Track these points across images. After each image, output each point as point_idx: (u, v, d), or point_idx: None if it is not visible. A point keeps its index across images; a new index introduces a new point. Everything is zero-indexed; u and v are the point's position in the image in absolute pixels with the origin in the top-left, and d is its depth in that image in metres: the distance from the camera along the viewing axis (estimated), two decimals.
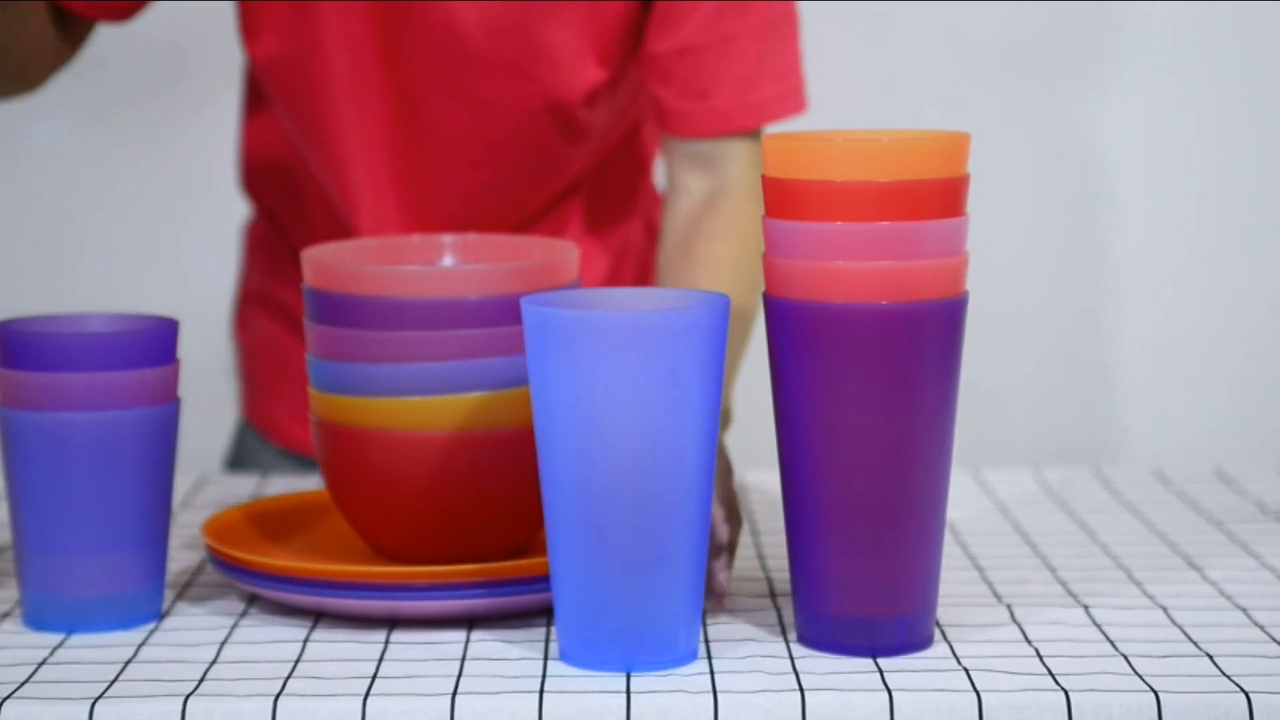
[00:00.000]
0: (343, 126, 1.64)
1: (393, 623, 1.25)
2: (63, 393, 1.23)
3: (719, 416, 1.17)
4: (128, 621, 1.26)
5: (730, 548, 1.28)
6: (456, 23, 1.59)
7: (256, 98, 1.74)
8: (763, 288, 1.21)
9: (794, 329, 1.17)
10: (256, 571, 1.27)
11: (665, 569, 1.16)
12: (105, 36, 1.73)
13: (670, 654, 1.17)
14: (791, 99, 1.62)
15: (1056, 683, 1.13)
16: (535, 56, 1.60)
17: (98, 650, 1.21)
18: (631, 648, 1.16)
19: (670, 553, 1.16)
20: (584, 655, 1.17)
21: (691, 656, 1.18)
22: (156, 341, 1.26)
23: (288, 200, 1.75)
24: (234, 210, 2.10)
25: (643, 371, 1.14)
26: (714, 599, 1.27)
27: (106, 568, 1.25)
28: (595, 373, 1.14)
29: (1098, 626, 1.24)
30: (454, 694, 1.12)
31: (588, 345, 1.13)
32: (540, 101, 1.62)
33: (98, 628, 1.25)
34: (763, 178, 1.20)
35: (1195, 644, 1.20)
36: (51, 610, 1.25)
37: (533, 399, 1.16)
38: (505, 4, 1.58)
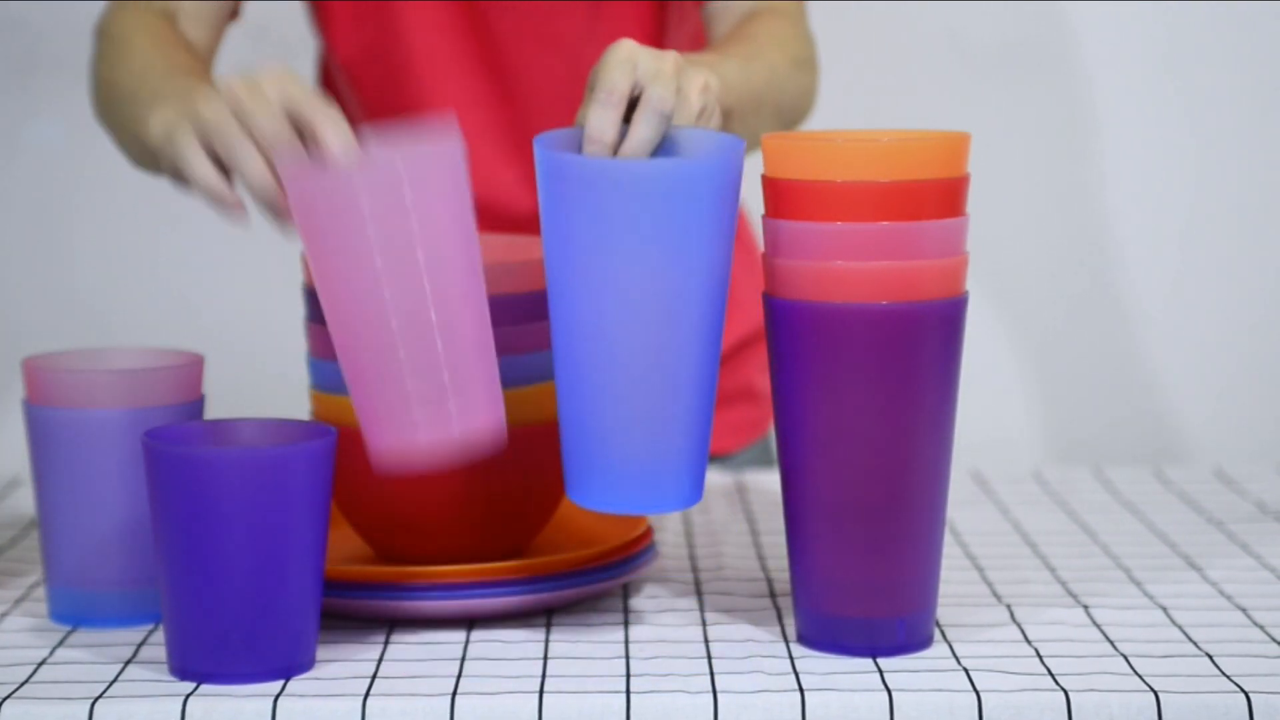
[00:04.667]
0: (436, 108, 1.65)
1: (393, 623, 1.25)
2: (89, 390, 1.25)
3: (729, 268, 1.17)
4: (147, 618, 1.26)
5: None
6: None
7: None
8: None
9: (794, 329, 1.17)
10: None
11: (671, 412, 1.16)
12: None
13: (675, 496, 1.18)
14: None
15: (1056, 683, 1.13)
16: None
17: (98, 650, 1.21)
18: (637, 488, 1.17)
19: (676, 396, 1.16)
20: (591, 494, 1.18)
21: (697, 497, 1.19)
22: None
23: None
24: None
25: (653, 220, 1.14)
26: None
27: (129, 562, 1.25)
28: (606, 219, 1.14)
29: (1098, 626, 1.24)
30: (454, 694, 1.12)
31: (600, 192, 1.14)
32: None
33: (118, 622, 1.26)
34: (763, 178, 1.20)
35: (1195, 644, 1.20)
36: (75, 603, 1.26)
37: (544, 245, 1.17)
38: None
